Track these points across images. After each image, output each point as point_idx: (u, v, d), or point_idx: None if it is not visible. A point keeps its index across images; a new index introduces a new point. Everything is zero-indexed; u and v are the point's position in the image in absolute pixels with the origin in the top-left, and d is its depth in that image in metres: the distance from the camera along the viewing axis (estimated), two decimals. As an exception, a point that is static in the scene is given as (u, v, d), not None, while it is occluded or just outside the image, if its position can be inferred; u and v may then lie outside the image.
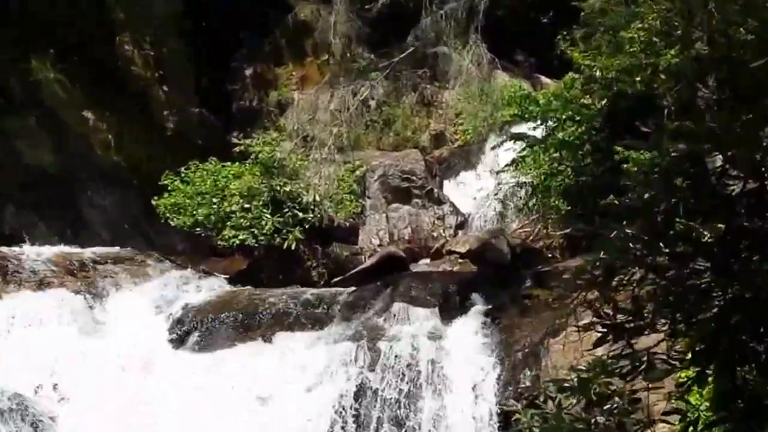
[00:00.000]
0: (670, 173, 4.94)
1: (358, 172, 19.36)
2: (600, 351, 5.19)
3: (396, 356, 13.96)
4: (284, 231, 17.61)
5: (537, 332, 13.58)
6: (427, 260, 19.21)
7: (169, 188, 18.24)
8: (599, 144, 15.54)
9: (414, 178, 20.40)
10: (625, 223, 4.92)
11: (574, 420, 4.98)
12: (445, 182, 22.28)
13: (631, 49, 14.45)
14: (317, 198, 17.18)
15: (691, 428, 5.16)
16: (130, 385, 14.35)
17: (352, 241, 19.34)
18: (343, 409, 13.64)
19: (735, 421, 4.88)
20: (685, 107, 5.16)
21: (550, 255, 17.48)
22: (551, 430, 5.00)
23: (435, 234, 19.99)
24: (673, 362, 4.96)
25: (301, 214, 17.73)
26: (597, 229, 5.00)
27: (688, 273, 4.84)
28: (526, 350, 13.61)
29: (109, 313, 15.79)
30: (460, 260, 18.25)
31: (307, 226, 17.78)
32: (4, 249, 17.06)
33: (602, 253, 4.96)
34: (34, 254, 16.82)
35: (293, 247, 17.59)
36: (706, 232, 4.78)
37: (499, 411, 13.21)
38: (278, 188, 17.75)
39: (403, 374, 13.80)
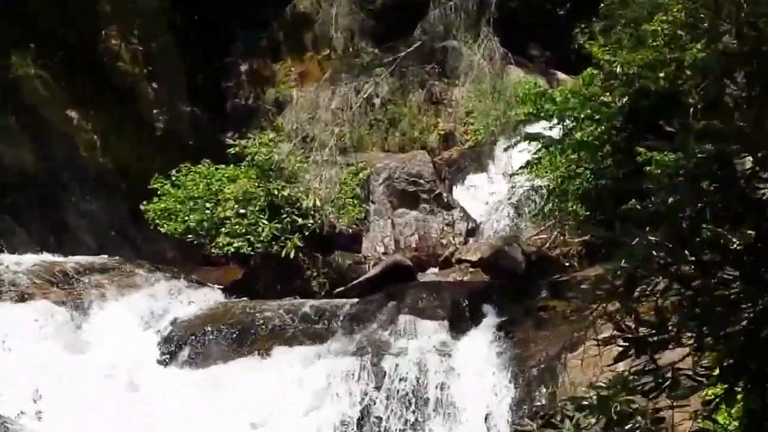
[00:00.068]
0: (696, 176, 4.94)
1: (361, 175, 19.38)
2: (621, 366, 5.19)
3: (401, 379, 13.95)
4: (282, 238, 17.62)
5: (553, 346, 13.57)
6: (436, 269, 19.24)
7: (159, 192, 18.25)
8: (620, 145, 15.55)
9: (421, 181, 20.42)
10: (648, 229, 4.93)
11: (592, 440, 4.98)
12: (455, 186, 22.31)
13: (654, 43, 14.48)
14: (318, 203, 17.18)
15: (718, 449, 5.17)
16: (117, 404, 14.34)
17: (355, 248, 19.35)
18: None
19: (766, 441, 4.89)
20: (712, 105, 5.17)
21: (567, 263, 17.48)
22: (568, 452, 5.01)
23: (444, 241, 20.01)
24: (700, 379, 4.96)
25: (300, 220, 17.74)
26: (618, 236, 5.01)
27: (715, 283, 4.84)
28: (542, 366, 13.60)
29: (95, 327, 15.77)
30: (471, 269, 18.27)
31: (306, 233, 17.78)
32: (-19, 258, 17.07)
33: (623, 261, 4.96)
34: (13, 264, 16.79)
35: (292, 256, 17.59)
36: (734, 239, 4.78)
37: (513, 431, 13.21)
38: (276, 192, 17.76)
39: (410, 402, 13.81)
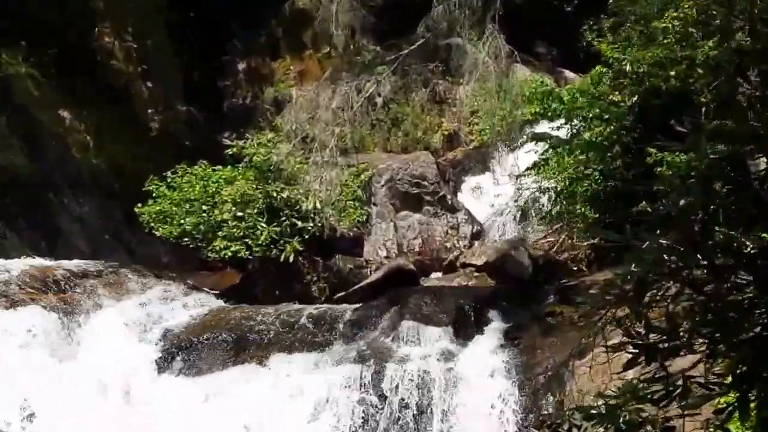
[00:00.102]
0: (709, 177, 4.94)
1: (363, 177, 19.39)
2: (631, 374, 5.19)
3: (404, 387, 13.94)
4: (281, 242, 17.63)
5: (561, 353, 13.56)
6: (440, 274, 19.25)
7: (154, 195, 18.28)
8: (630, 145, 15.58)
9: (425, 182, 20.43)
10: (658, 232, 4.93)
11: (601, 450, 4.98)
12: (459, 188, 22.32)
13: (665, 41, 14.50)
14: (318, 205, 17.17)
15: (731, 460, 5.16)
16: (110, 414, 14.34)
17: (356, 252, 19.36)
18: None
19: (781, 452, 4.89)
20: (725, 104, 5.17)
21: (575, 268, 17.49)
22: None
23: (448, 245, 20.01)
24: (712, 387, 4.96)
25: (299, 223, 17.75)
26: (628, 240, 5.01)
27: (728, 287, 4.84)
28: (549, 373, 13.59)
29: (87, 334, 15.77)
30: (476, 274, 18.29)
31: (306, 237, 17.79)
32: (-29, 262, 17.06)
33: (633, 265, 4.96)
34: (3, 268, 16.81)
35: (291, 260, 17.60)
36: (748, 243, 4.78)
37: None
38: (275, 194, 17.77)
39: (413, 411, 13.80)
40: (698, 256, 4.86)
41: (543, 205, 17.76)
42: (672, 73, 14.44)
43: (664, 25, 14.39)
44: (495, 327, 14.95)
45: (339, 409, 13.90)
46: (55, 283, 16.48)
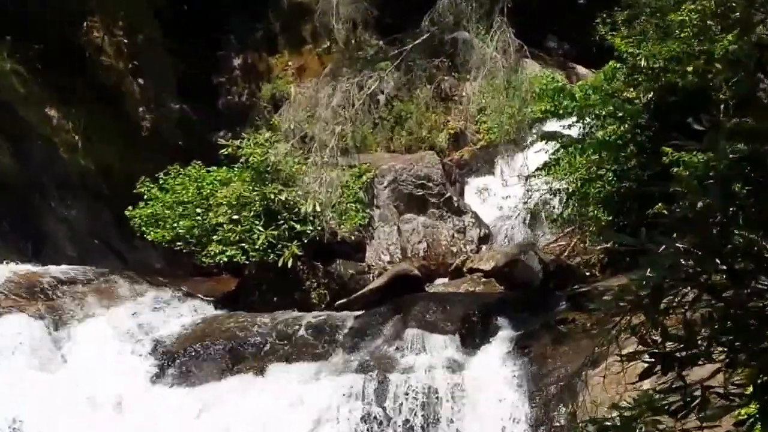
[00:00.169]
0: (728, 178, 4.95)
1: (364, 178, 19.41)
2: (646, 384, 5.20)
3: (408, 398, 13.95)
4: (279, 246, 17.64)
5: (573, 363, 13.58)
6: (446, 279, 19.25)
7: (146, 197, 18.29)
8: (645, 144, 15.59)
9: (430, 184, 20.45)
10: (675, 235, 4.94)
11: (616, 465, 4.99)
12: (466, 189, 22.33)
13: (682, 34, 14.52)
14: (317, 208, 17.18)
15: (752, 474, 5.17)
16: (101, 426, 14.36)
17: (358, 257, 19.38)
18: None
19: (803, 465, 4.89)
20: (745, 101, 5.18)
21: (588, 273, 17.50)
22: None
23: (454, 249, 20.03)
24: (732, 397, 4.96)
25: (298, 227, 17.76)
26: (643, 243, 5.01)
27: (748, 293, 4.85)
28: (561, 384, 13.60)
29: (75, 343, 15.78)
30: (484, 279, 18.28)
31: (305, 241, 17.81)
32: (-48, 268, 17.08)
33: (649, 270, 4.96)
34: (-13, 275, 16.84)
35: (289, 265, 17.60)
36: (769, 246, 4.79)
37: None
38: (272, 197, 17.79)
39: (418, 423, 13.81)
40: (717, 260, 4.86)
41: (554, 208, 17.78)
42: (689, 68, 14.45)
43: (681, 17, 14.40)
44: (504, 335, 14.96)
45: (340, 420, 13.92)
46: (42, 291, 16.49)
